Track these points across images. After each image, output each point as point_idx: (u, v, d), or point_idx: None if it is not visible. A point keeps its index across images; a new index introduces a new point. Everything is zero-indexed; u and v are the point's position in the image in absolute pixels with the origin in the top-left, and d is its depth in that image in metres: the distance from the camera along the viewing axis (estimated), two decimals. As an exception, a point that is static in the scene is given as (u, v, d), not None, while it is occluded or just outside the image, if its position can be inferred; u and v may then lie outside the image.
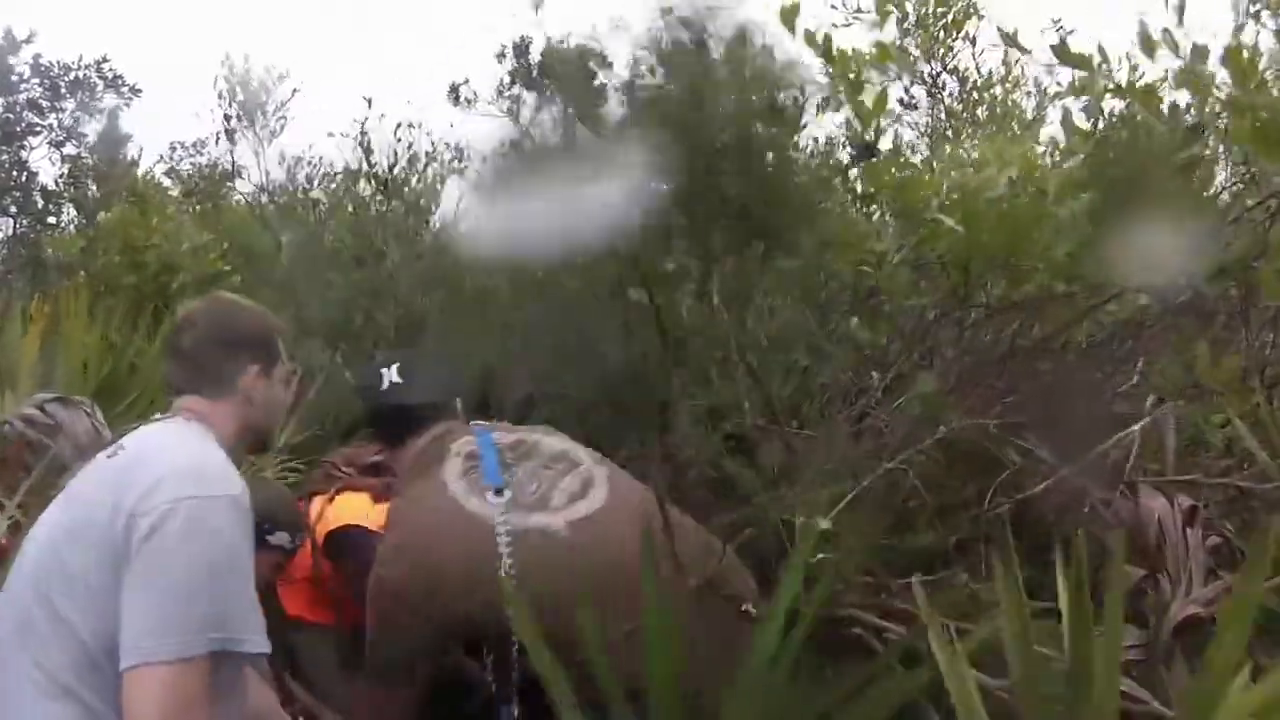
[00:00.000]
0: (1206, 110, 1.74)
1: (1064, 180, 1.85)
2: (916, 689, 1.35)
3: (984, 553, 1.73)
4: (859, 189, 2.23)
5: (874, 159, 2.04)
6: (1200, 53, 1.55)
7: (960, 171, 1.98)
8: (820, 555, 1.44)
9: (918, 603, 1.40)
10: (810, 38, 1.91)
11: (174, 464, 1.15)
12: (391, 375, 1.68)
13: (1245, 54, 1.55)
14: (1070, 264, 1.82)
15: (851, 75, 1.92)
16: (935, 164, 2.38)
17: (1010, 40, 2.01)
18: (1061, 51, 1.70)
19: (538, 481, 1.58)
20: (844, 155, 2.25)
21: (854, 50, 1.91)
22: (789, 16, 1.86)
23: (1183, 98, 1.77)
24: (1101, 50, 1.79)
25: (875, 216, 2.28)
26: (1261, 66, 1.60)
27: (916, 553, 1.74)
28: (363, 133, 4.12)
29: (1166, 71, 1.94)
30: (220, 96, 4.88)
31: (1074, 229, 1.77)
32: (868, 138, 1.97)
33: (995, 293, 2.10)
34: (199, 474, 1.15)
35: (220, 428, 1.31)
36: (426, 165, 4.30)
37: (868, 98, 1.91)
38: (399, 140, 4.15)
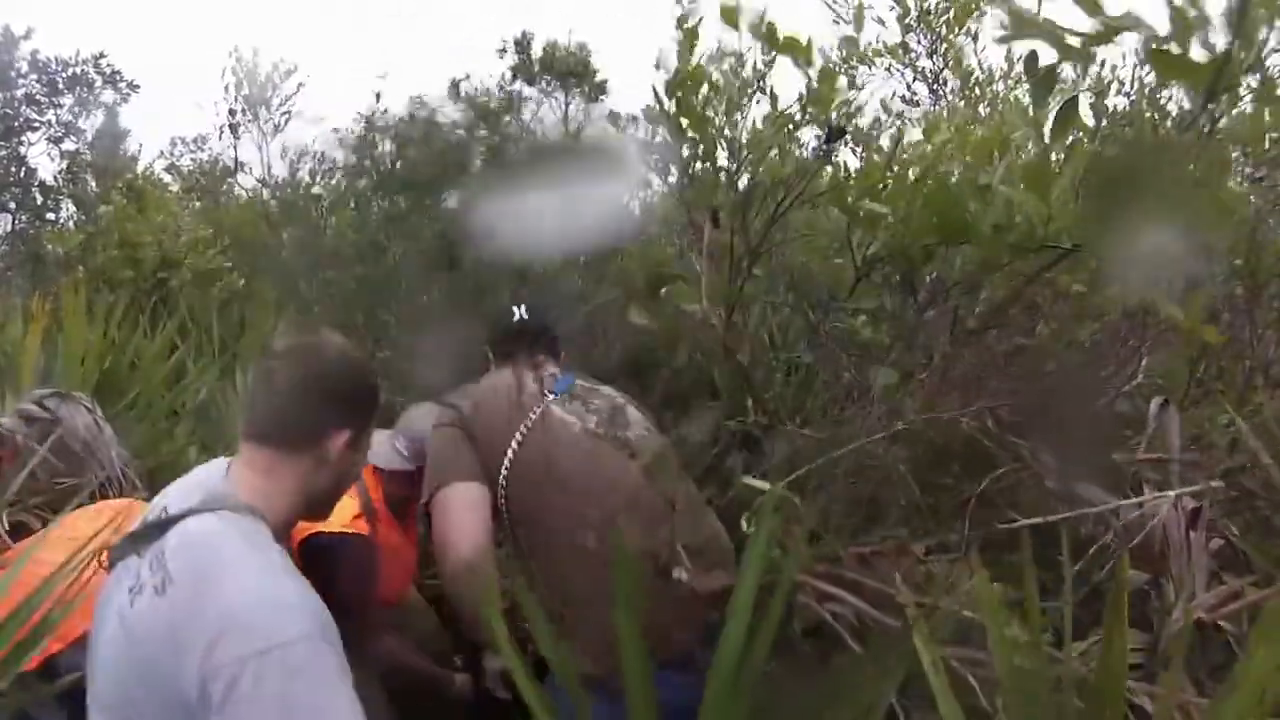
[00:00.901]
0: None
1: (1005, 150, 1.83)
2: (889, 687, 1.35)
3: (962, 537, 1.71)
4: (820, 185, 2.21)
5: (844, 142, 2.02)
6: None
7: (912, 156, 1.97)
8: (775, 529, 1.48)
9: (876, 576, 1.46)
10: (759, 29, 1.88)
11: (239, 607, 1.04)
12: (520, 312, 1.95)
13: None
14: (1000, 234, 1.76)
15: (807, 61, 1.89)
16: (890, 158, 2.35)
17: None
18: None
19: (588, 404, 1.79)
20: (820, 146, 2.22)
21: (797, 40, 1.88)
22: (731, 15, 1.86)
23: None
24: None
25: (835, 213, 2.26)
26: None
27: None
28: (368, 126, 4.09)
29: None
30: (226, 91, 4.85)
31: (993, 194, 1.73)
32: (832, 121, 1.94)
33: (955, 279, 2.06)
34: (260, 619, 1.03)
35: (279, 490, 1.19)
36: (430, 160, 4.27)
37: (824, 84, 1.87)
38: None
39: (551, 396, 1.75)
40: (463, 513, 1.61)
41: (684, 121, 1.92)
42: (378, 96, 4.13)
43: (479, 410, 1.73)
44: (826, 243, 2.09)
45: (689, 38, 1.91)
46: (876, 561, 1.57)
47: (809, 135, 2.11)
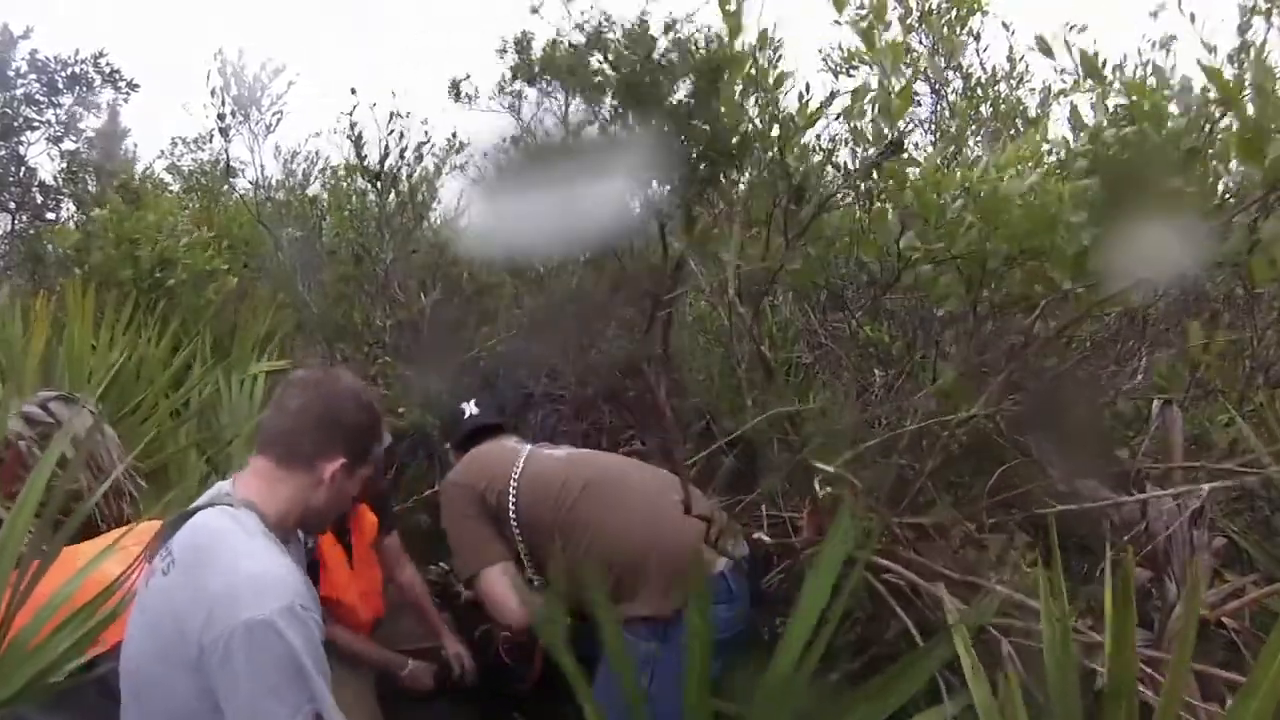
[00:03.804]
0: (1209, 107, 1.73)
1: (1071, 182, 1.84)
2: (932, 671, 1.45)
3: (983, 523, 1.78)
4: (877, 186, 2.20)
5: (901, 154, 2.03)
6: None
7: (980, 173, 1.96)
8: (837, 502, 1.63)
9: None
10: (859, 26, 1.86)
11: (226, 585, 1.22)
12: (470, 408, 2.39)
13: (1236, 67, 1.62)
14: (1079, 261, 1.80)
15: (887, 66, 1.88)
16: (949, 164, 2.35)
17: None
18: (1043, 46, 1.69)
19: (553, 449, 2.26)
20: (864, 151, 2.21)
21: (891, 43, 1.87)
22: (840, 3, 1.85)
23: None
24: (1085, 57, 1.79)
25: (892, 214, 2.25)
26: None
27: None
28: (352, 125, 4.04)
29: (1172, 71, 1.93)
30: (213, 93, 4.79)
31: (1082, 228, 1.76)
32: (895, 133, 1.94)
33: (1011, 291, 2.07)
34: (247, 593, 1.21)
35: (279, 501, 1.35)
36: (419, 158, 4.23)
37: (900, 96, 1.87)
38: (391, 133, 4.07)
39: (528, 449, 2.20)
40: (506, 590, 2.04)
41: (722, 110, 1.89)
42: (354, 91, 4.03)
43: (467, 472, 2.16)
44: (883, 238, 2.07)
45: (733, 21, 1.87)
46: (929, 539, 1.67)
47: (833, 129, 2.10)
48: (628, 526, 1.94)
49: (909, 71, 1.85)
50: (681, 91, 1.78)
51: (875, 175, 2.05)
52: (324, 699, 1.22)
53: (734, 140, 1.86)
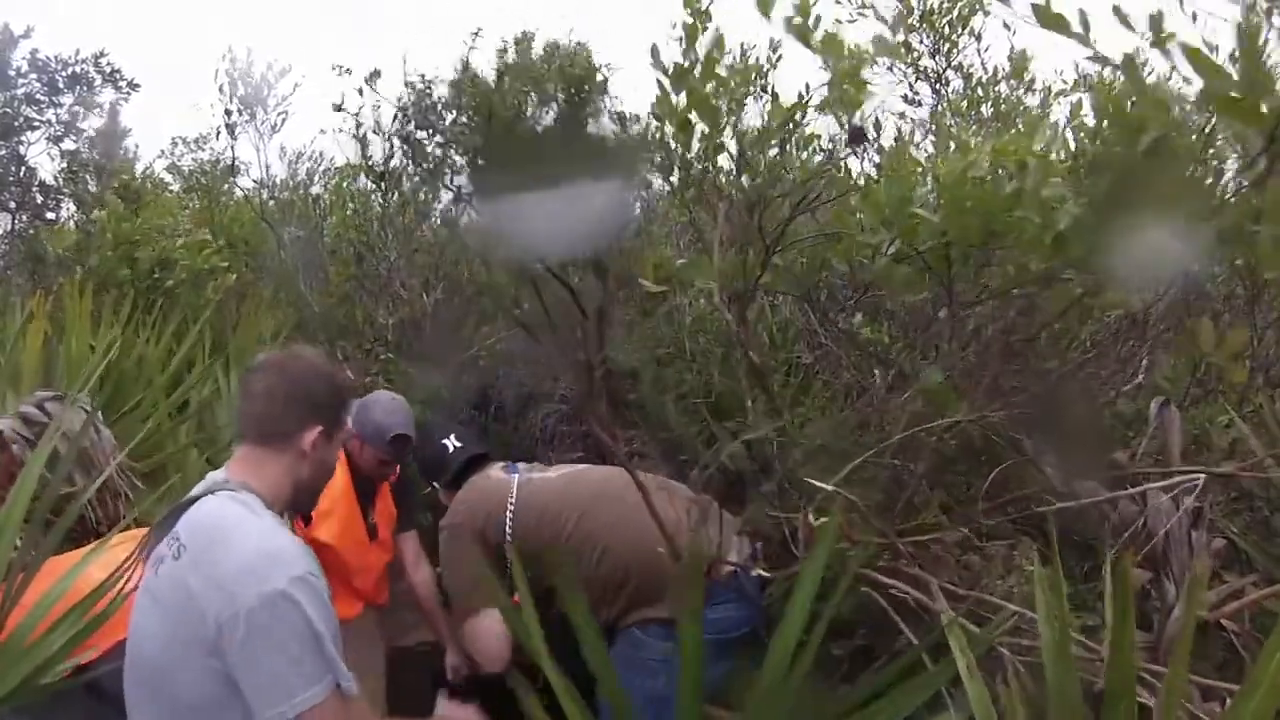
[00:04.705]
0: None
1: (1045, 161, 1.81)
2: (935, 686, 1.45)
3: (981, 531, 1.78)
4: (849, 182, 2.19)
5: (865, 143, 2.02)
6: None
7: (946, 162, 1.94)
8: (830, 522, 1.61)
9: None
10: (794, 25, 1.84)
11: (240, 562, 1.26)
12: (452, 442, 2.40)
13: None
14: (1049, 242, 1.77)
15: (834, 60, 1.86)
16: (926, 160, 2.34)
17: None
18: (1042, 12, 1.63)
19: (544, 471, 2.30)
20: (838, 146, 2.20)
21: (838, 39, 1.85)
22: (765, 5, 1.82)
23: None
24: (1084, 18, 1.71)
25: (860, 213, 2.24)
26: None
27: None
28: (358, 125, 4.05)
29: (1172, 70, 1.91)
30: (221, 91, 4.82)
31: (1059, 202, 1.73)
32: (855, 122, 1.93)
33: (985, 283, 2.06)
34: (262, 568, 1.25)
35: (270, 481, 1.40)
36: (424, 157, 4.23)
37: (851, 84, 1.85)
38: (395, 133, 4.08)
39: (517, 475, 2.23)
40: (494, 634, 2.08)
41: (692, 115, 1.87)
42: (360, 91, 4.03)
43: (462, 509, 2.18)
44: (852, 242, 2.06)
45: (699, 20, 1.86)
46: (926, 550, 1.67)
47: (822, 128, 2.09)
48: (641, 535, 1.94)
49: (849, 62, 1.80)
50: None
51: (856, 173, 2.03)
52: (341, 668, 1.26)
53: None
